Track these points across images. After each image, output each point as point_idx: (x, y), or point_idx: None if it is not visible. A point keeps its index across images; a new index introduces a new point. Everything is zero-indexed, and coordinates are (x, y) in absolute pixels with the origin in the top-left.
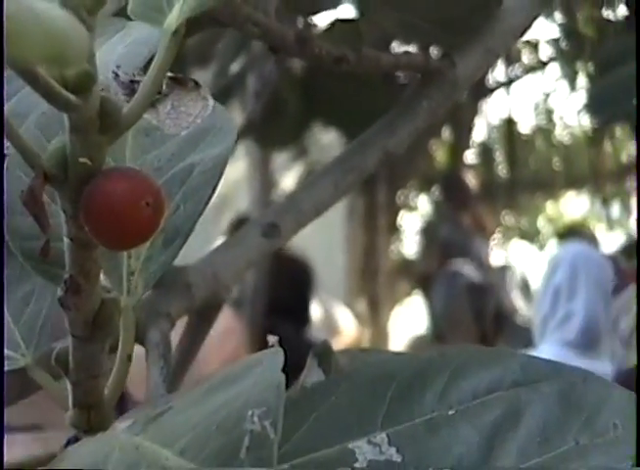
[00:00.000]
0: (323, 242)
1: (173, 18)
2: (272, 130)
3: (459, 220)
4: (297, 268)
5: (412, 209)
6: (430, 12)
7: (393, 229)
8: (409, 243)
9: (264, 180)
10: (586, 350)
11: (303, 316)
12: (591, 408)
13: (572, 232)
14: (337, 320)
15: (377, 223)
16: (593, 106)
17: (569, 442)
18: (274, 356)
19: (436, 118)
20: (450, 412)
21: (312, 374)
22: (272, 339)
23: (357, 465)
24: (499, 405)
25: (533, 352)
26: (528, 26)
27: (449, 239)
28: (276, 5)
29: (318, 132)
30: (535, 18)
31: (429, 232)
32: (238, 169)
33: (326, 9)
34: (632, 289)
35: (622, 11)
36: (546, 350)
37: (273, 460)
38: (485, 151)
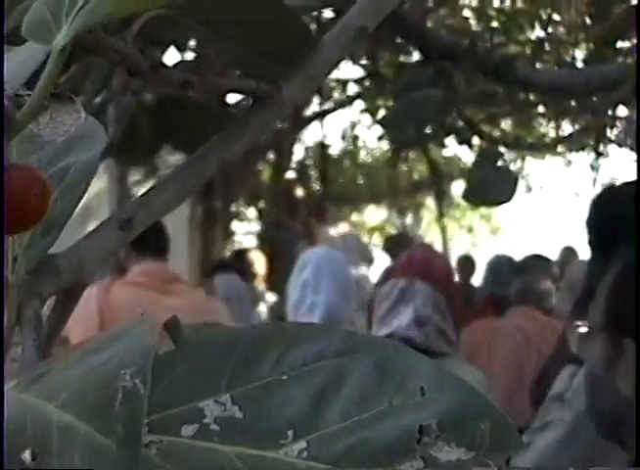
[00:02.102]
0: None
1: (61, 37)
2: (128, 151)
3: (289, 226)
4: None
5: (243, 218)
6: (260, 45)
7: (228, 233)
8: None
9: (122, 194)
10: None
11: None
12: (403, 375)
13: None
14: None
15: (214, 228)
16: (389, 126)
17: (384, 403)
18: (142, 324)
19: (265, 133)
20: (284, 377)
21: (164, 345)
22: (140, 310)
23: (205, 421)
24: (325, 372)
25: None
26: (342, 59)
27: (279, 242)
28: (134, 36)
29: (167, 154)
30: (348, 52)
31: (260, 236)
32: (100, 184)
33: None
34: (392, 283)
35: (416, 56)
36: None
37: (143, 411)
38: (303, 169)
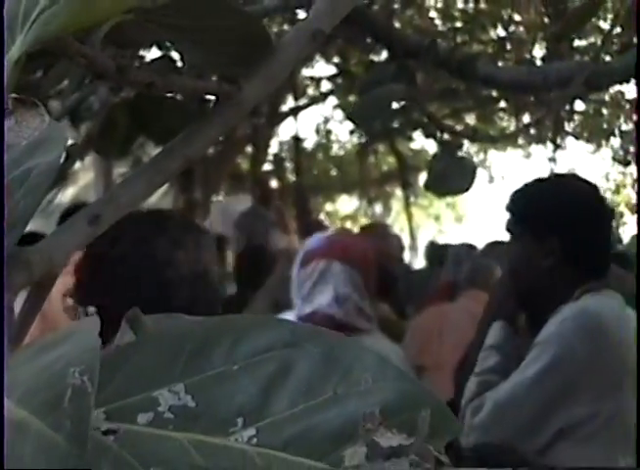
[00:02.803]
0: None
1: (15, 50)
2: (106, 144)
3: (264, 215)
4: None
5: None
6: (222, 48)
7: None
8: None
9: (108, 185)
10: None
11: None
12: (347, 365)
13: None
14: None
15: (195, 217)
16: (356, 119)
17: (329, 392)
18: (91, 324)
19: (226, 131)
20: (234, 367)
21: (125, 336)
22: (91, 310)
23: (160, 409)
24: (273, 362)
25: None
26: (300, 60)
27: (252, 230)
28: (102, 40)
29: (150, 147)
30: (307, 53)
31: (236, 224)
32: (88, 176)
33: (150, 45)
34: (313, 265)
35: (385, 55)
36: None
37: (91, 408)
38: (279, 162)
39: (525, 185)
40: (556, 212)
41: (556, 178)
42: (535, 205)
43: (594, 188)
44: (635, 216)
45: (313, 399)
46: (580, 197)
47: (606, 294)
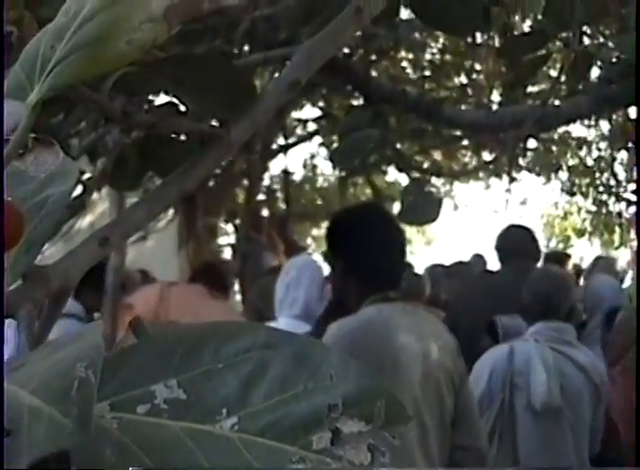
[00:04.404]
0: (162, 255)
1: (33, 96)
2: (119, 178)
3: (257, 240)
4: None
5: (223, 233)
6: (214, 96)
7: (211, 245)
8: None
9: (121, 212)
10: (305, 319)
11: None
12: (315, 364)
13: None
14: None
15: (199, 242)
16: (337, 159)
17: (299, 386)
18: (96, 327)
19: (217, 167)
20: (220, 365)
21: (128, 339)
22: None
23: (156, 401)
24: (252, 361)
25: (275, 323)
26: (282, 104)
27: (246, 253)
28: (112, 88)
29: (157, 180)
30: (286, 100)
31: (234, 247)
32: (103, 205)
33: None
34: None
35: (361, 100)
36: (283, 321)
37: (94, 397)
38: (270, 193)
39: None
40: (340, 240)
41: (351, 208)
42: (328, 237)
43: (385, 214)
44: (584, 239)
45: (286, 392)
46: (364, 225)
47: (383, 303)
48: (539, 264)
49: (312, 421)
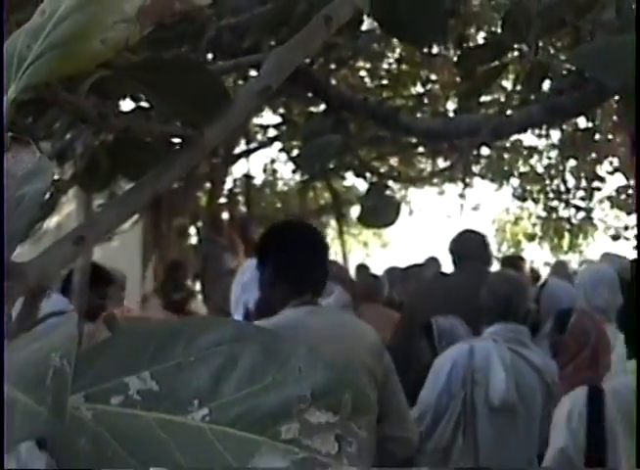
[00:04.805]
0: (127, 256)
1: (10, 94)
2: (89, 180)
3: (217, 241)
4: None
5: (186, 235)
6: (188, 100)
7: (174, 247)
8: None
9: (88, 214)
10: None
11: None
12: (284, 357)
13: None
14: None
15: (161, 242)
16: (300, 165)
17: (268, 378)
18: (70, 319)
19: (189, 168)
20: (191, 359)
21: (102, 333)
22: (70, 307)
23: (130, 392)
24: (222, 355)
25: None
26: (251, 110)
27: (207, 254)
28: (87, 91)
29: (124, 183)
30: (257, 105)
31: (195, 249)
32: (71, 206)
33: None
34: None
35: (322, 107)
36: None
37: (68, 385)
38: (232, 196)
39: None
40: (270, 250)
41: (280, 223)
42: (259, 246)
43: (309, 230)
44: (534, 243)
45: (256, 384)
46: (290, 238)
47: (303, 306)
48: (496, 268)
49: (281, 412)
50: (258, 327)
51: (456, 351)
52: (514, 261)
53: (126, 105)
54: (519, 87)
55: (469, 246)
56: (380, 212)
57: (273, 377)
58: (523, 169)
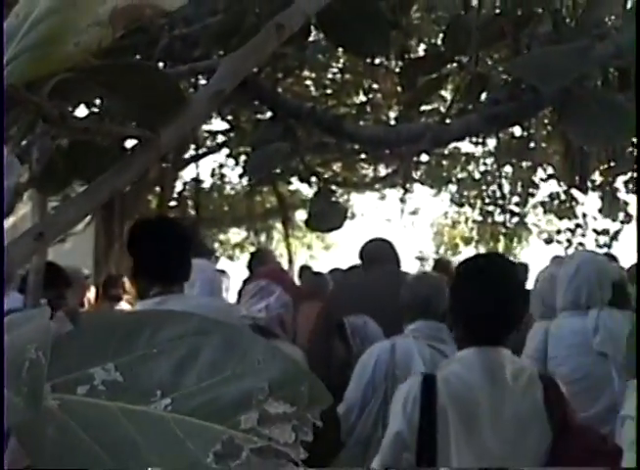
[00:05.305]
0: (79, 256)
1: None
2: (46, 183)
3: None
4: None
5: None
6: (145, 102)
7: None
8: None
9: (43, 215)
10: None
11: None
12: (244, 350)
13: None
14: None
15: (113, 244)
16: (250, 170)
17: (229, 370)
18: (43, 312)
19: (146, 168)
20: (154, 350)
21: (65, 326)
22: (43, 301)
23: (95, 383)
24: (185, 346)
25: None
26: (208, 113)
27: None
28: (48, 91)
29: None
30: (210, 108)
31: None
32: (26, 208)
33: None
34: (255, 283)
35: (269, 114)
36: None
37: (44, 376)
38: (182, 199)
39: None
40: (134, 245)
41: (146, 219)
42: (128, 242)
43: (171, 225)
44: (470, 247)
45: (217, 376)
46: (153, 234)
47: (164, 296)
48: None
49: (240, 403)
50: (220, 322)
51: (379, 347)
52: (443, 264)
53: (80, 111)
54: (458, 97)
55: (376, 251)
56: (327, 217)
57: (233, 369)
58: (460, 176)
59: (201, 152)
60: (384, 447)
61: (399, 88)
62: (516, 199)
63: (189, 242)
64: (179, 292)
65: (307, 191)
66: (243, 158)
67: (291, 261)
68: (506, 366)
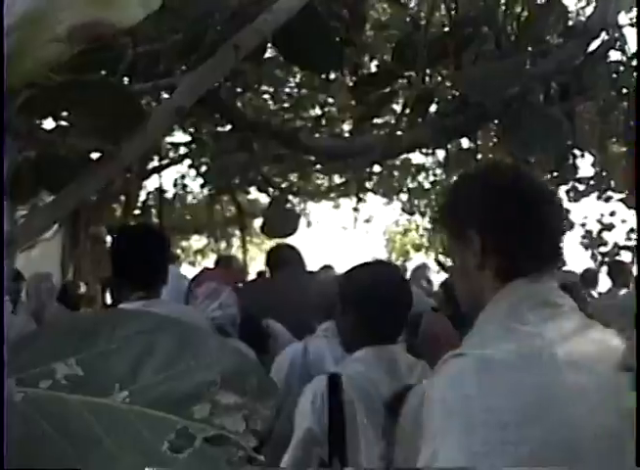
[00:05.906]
0: (47, 263)
1: None
2: (14, 193)
3: None
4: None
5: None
6: (108, 117)
7: (93, 253)
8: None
9: (10, 225)
10: None
11: None
12: (197, 346)
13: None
14: None
15: (80, 251)
16: (209, 180)
17: (183, 365)
18: (5, 309)
19: (110, 179)
20: (113, 346)
21: (29, 326)
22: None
23: (57, 377)
24: (142, 343)
25: None
26: (167, 128)
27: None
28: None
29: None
30: (171, 123)
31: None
32: None
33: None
34: (207, 285)
35: (229, 127)
36: None
37: (4, 372)
38: (145, 208)
39: None
40: (116, 252)
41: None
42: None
43: (149, 232)
44: (421, 253)
45: (171, 370)
46: (132, 241)
47: (143, 301)
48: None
49: (194, 394)
50: (175, 319)
51: (292, 350)
52: None
53: (48, 124)
54: (408, 111)
55: (283, 256)
56: (281, 224)
57: (187, 363)
58: (411, 185)
59: (164, 163)
60: (294, 444)
61: (353, 102)
62: None
63: (168, 248)
64: (159, 296)
65: (265, 200)
66: (204, 168)
67: (245, 267)
68: (401, 361)
